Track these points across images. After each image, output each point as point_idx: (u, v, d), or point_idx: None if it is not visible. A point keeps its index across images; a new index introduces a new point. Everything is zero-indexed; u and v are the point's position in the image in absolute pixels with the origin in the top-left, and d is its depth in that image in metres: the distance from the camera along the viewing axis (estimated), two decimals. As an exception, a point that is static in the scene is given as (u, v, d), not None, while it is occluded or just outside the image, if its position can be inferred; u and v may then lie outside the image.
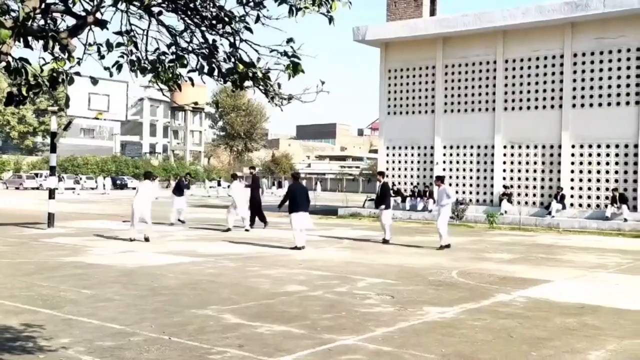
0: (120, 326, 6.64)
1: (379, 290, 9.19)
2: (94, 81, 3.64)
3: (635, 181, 23.18)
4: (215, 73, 3.65)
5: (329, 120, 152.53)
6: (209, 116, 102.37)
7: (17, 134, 79.01)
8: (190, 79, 3.79)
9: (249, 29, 3.78)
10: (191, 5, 3.66)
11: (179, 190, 22.01)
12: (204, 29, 3.69)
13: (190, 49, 3.71)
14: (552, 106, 24.97)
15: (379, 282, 9.89)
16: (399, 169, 28.97)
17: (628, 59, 23.42)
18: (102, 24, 3.43)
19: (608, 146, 23.77)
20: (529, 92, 25.50)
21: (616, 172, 23.61)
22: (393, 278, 10.32)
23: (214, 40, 3.72)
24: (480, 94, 26.70)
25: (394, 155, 29.10)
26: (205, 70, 3.64)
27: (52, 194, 18.76)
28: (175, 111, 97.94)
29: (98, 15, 3.39)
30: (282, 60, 3.65)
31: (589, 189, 24.25)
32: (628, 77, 23.39)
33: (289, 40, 3.73)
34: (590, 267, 12.28)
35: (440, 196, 15.39)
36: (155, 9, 3.61)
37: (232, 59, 3.63)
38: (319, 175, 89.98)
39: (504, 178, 26.00)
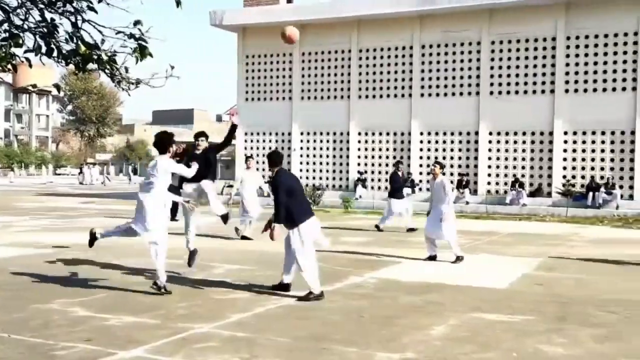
0: (-48, 326, 6.12)
1: (236, 276, 9.18)
2: None
3: (475, 166, 24.88)
4: (55, 54, 3.43)
5: (187, 105, 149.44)
6: (57, 99, 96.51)
7: None
8: (28, 60, 3.53)
9: (93, 9, 3.59)
10: (27, -20, 3.41)
11: None
12: (42, 6, 3.45)
13: (26, 27, 3.45)
14: (403, 95, 26.14)
15: (236, 269, 9.87)
16: (258, 155, 29.02)
17: (470, 52, 25.01)
18: None
19: (452, 133, 25.32)
20: (381, 81, 26.51)
21: (459, 158, 25.22)
22: (251, 264, 10.35)
23: (52, 19, 3.48)
24: (336, 82, 27.37)
25: (252, 141, 29.11)
26: (44, 50, 3.41)
27: None
28: (18, 93, 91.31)
29: None
30: (128, 43, 3.50)
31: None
32: (470, 69, 25.00)
33: (136, 22, 3.59)
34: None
35: (437, 191, 11.21)
36: (-15, -17, 3.33)
37: (74, 40, 3.43)
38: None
39: (359, 164, 26.89)
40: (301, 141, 28.07)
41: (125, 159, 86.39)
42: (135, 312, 6.81)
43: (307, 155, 27.91)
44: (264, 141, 28.88)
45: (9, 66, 3.50)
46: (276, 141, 28.60)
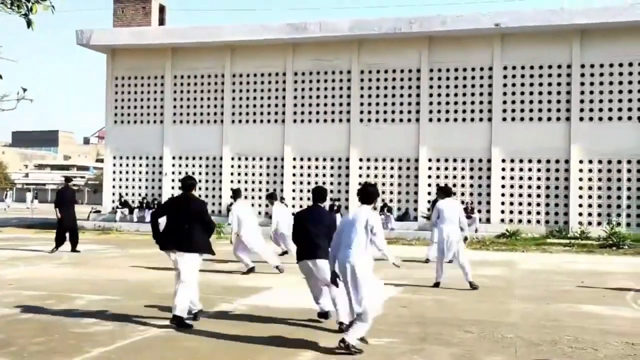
0: None
1: (99, 307, 8.75)
2: None
3: (347, 191, 25.50)
4: None
5: (52, 127, 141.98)
6: None
7: None
8: None
9: None
10: None
11: None
12: None
13: None
14: (277, 120, 26.38)
15: (100, 299, 9.42)
16: (127, 179, 28.08)
17: (341, 80, 25.76)
18: None
19: (324, 159, 25.84)
20: (255, 106, 26.62)
21: (331, 183, 25.74)
22: (117, 294, 9.92)
23: None
24: (209, 106, 27.14)
25: (121, 165, 28.14)
26: None
27: None
28: None
29: None
30: (-29, 62, 3.27)
31: (308, 199, 26.05)
32: (341, 96, 25.71)
33: (-16, 40, 3.37)
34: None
35: (448, 214, 11.09)
36: None
37: None
38: (39, 186, 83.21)
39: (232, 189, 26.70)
40: (173, 165, 27.49)
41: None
42: (-16, 351, 6.30)
43: (179, 180, 27.34)
44: (133, 165, 28.00)
45: None
46: (147, 165, 27.82)
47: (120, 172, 28.14)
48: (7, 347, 6.50)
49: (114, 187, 28.29)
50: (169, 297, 9.76)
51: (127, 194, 27.92)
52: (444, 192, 11.93)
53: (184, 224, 7.75)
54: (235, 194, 13.64)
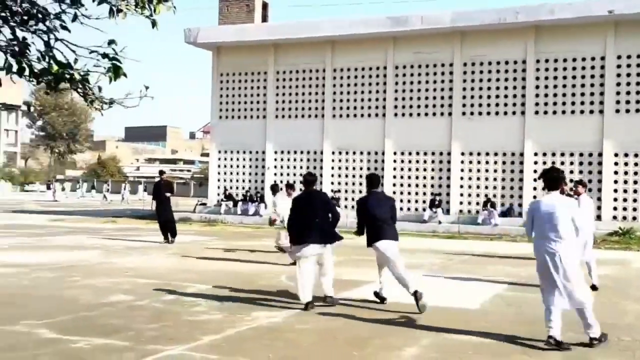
0: None
1: (207, 297, 9.07)
2: None
3: (448, 186, 25.09)
4: (27, 73, 3.38)
5: (160, 122, 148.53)
6: (27, 115, 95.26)
7: None
8: (-3, 79, 3.48)
9: (66, 28, 3.55)
10: (-2, -3, 3.36)
11: None
12: (13, 24, 3.40)
13: (-4, 45, 3.40)
14: (377, 114, 26.30)
15: (208, 289, 9.77)
16: (231, 173, 28.92)
17: (442, 73, 25.33)
18: None
19: (425, 153, 25.53)
20: (355, 100, 26.66)
21: (432, 177, 25.41)
22: (223, 284, 10.25)
23: (24, 38, 3.44)
24: (310, 101, 27.45)
25: (225, 159, 29.00)
26: (14, 69, 3.35)
27: None
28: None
29: None
30: (102, 63, 3.47)
31: (409, 193, 25.86)
32: (442, 89, 25.29)
33: (110, 41, 3.56)
34: (408, 268, 13.04)
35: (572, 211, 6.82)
36: (-45, 0, 3.27)
37: (46, 59, 3.38)
38: (148, 178, 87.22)
39: (332, 183, 26.91)
40: (275, 159, 28.04)
41: (96, 175, 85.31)
42: (104, 334, 6.69)
43: (281, 174, 27.87)
44: (237, 159, 28.79)
45: (-21, 85, 3.43)
46: (250, 159, 28.54)
47: (225, 166, 29.01)
48: (126, 331, 6.87)
49: (218, 180, 29.21)
50: (273, 288, 9.99)
51: (231, 187, 28.75)
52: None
53: (315, 218, 8.42)
54: (273, 189, 14.50)
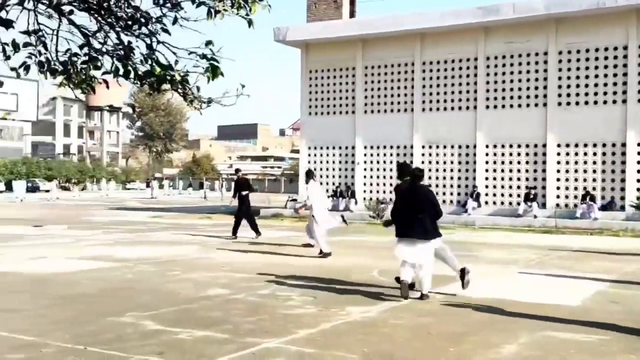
0: (30, 337, 6.35)
1: (301, 291, 9.19)
2: None
3: (543, 179, 24.25)
4: (132, 75, 3.54)
5: (251, 120, 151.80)
6: (127, 116, 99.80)
7: None
8: (105, 81, 3.67)
9: (167, 31, 3.69)
10: (105, 4, 3.53)
11: None
12: (118, 29, 3.57)
13: (104, 50, 3.58)
14: (468, 107, 25.78)
15: (302, 284, 9.90)
16: (321, 169, 29.15)
17: (536, 63, 24.48)
18: (7, 24, 3.26)
19: (519, 146, 24.78)
20: (445, 93, 26.24)
21: (526, 170, 24.65)
22: (316, 279, 10.36)
23: (129, 42, 3.60)
24: (399, 95, 27.25)
25: (315, 155, 29.27)
26: (121, 72, 3.52)
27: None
28: (90, 111, 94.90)
29: (2, 14, 3.21)
30: (200, 63, 3.58)
31: (502, 187, 25.19)
32: (536, 79, 24.46)
33: (208, 42, 3.67)
34: (504, 263, 12.74)
35: None
36: (66, 8, 3.46)
37: (149, 62, 3.53)
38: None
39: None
40: (364, 155, 28.04)
41: (191, 173, 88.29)
42: (204, 326, 6.91)
43: (371, 169, 27.85)
44: (327, 155, 29.00)
45: (89, 88, 3.63)
46: (339, 155, 28.67)
47: (315, 162, 29.29)
48: (225, 324, 7.08)
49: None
50: (366, 283, 10.01)
51: (321, 183, 28.96)
52: None
53: (418, 213, 8.46)
54: (308, 175, 14.23)
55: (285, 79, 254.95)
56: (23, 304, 8.11)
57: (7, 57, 3.38)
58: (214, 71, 3.52)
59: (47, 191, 54.60)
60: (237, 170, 18.58)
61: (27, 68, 3.46)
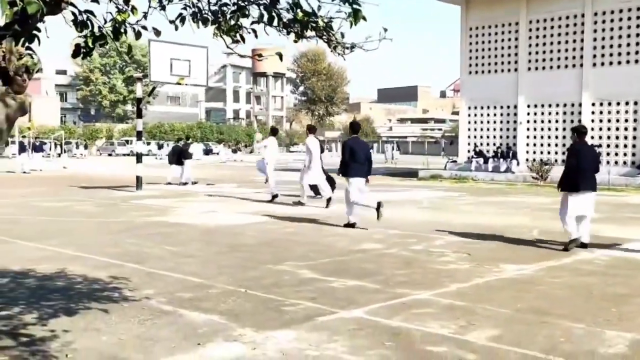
0: (199, 279, 6.91)
1: (456, 248, 9.10)
2: (157, 32, 3.71)
3: None
4: (276, 22, 3.65)
5: (410, 82, 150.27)
6: (290, 81, 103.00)
7: (109, 103, 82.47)
8: (254, 31, 3.82)
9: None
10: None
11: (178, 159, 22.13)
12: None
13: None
14: (646, 60, 23.61)
15: (456, 241, 9.79)
16: (481, 129, 28.32)
17: None
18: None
19: None
20: (619, 46, 24.19)
21: None
22: (472, 237, 10.19)
23: (275, -11, 3.71)
24: (567, 50, 25.56)
25: (475, 115, 28.45)
26: (265, 19, 3.65)
27: (139, 158, 19.51)
28: (257, 77, 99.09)
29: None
30: (343, 9, 3.61)
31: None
32: None
33: (349, -14, 3.68)
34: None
35: None
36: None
37: (294, 9, 3.63)
38: (400, 138, 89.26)
39: (592, 137, 24.91)
40: (527, 114, 26.76)
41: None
42: (357, 277, 7.09)
43: (535, 129, 26.55)
44: (487, 115, 28.05)
45: (237, 36, 3.81)
46: (501, 114, 27.60)
47: (475, 122, 28.47)
48: (376, 275, 7.21)
49: (469, 137, 28.80)
50: (524, 241, 9.68)
51: (481, 144, 28.18)
52: None
53: (590, 168, 9.03)
54: (311, 129, 15.28)
55: (445, 38, 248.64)
56: (196, 251, 8.81)
57: (163, 7, 3.64)
58: (355, 15, 3.53)
59: (217, 153, 58.06)
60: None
61: (182, 20, 3.70)
